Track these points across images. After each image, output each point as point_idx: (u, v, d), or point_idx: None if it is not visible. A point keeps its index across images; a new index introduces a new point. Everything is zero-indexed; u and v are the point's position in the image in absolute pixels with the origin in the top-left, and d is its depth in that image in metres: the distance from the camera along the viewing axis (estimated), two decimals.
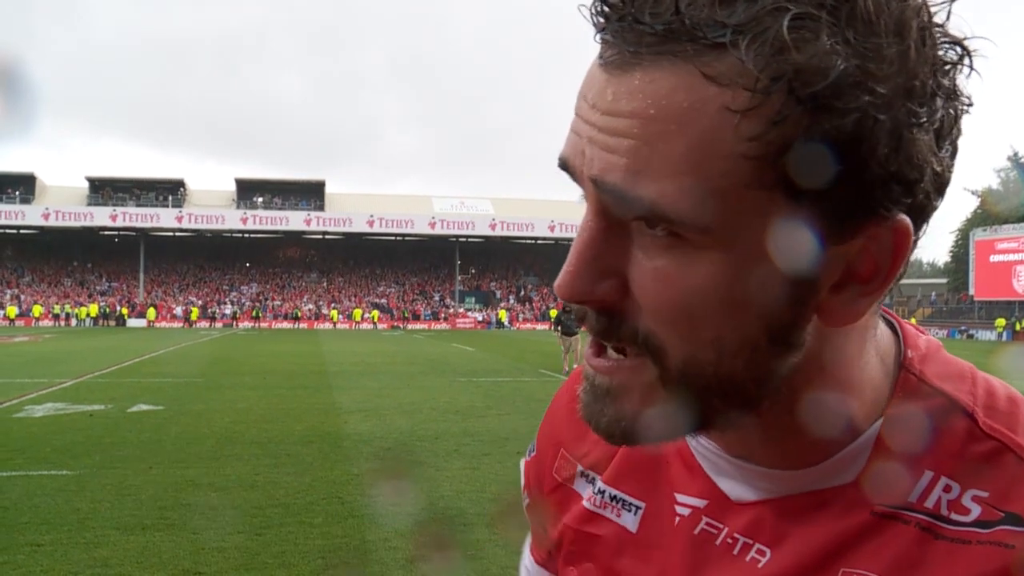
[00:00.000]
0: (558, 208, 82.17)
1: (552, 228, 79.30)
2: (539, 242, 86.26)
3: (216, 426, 12.49)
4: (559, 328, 20.89)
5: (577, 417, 0.86)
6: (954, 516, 0.67)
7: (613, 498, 0.87)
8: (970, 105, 0.65)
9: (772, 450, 0.73)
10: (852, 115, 0.58)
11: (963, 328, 63.26)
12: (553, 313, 72.36)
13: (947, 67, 0.62)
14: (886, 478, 0.70)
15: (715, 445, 0.78)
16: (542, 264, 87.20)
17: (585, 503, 0.90)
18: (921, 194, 0.63)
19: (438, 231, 78.81)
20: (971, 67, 0.63)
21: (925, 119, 0.61)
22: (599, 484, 0.89)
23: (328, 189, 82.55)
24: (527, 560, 1.04)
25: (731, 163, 0.59)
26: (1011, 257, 63.26)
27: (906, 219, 0.63)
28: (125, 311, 69.69)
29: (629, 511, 0.85)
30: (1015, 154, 72.15)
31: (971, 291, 67.49)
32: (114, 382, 19.40)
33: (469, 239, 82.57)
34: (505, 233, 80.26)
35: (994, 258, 64.65)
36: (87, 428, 12.17)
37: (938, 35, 0.62)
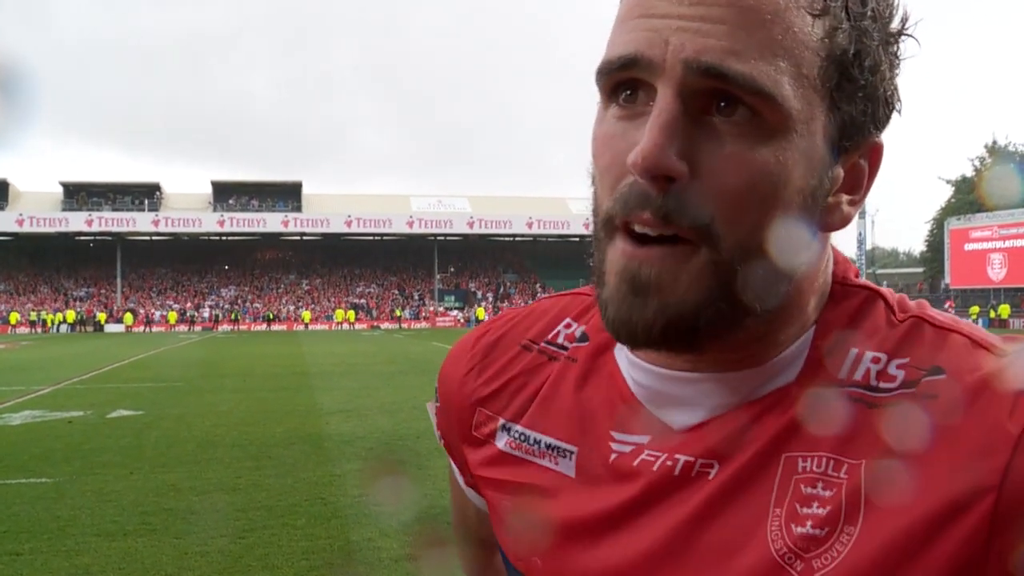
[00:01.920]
0: (536, 205, 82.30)
1: (530, 225, 79.38)
2: (517, 239, 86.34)
3: (196, 430, 12.41)
4: None
5: (487, 370, 0.93)
6: (882, 384, 0.73)
7: (538, 442, 0.88)
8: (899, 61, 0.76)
9: (724, 356, 0.76)
10: (876, 43, 0.72)
11: None
12: None
13: (902, 30, 0.75)
14: (821, 370, 0.76)
15: (659, 366, 0.80)
16: (521, 261, 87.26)
17: (501, 446, 0.90)
18: (888, 121, 0.75)
19: (416, 230, 78.65)
20: (911, 35, 0.75)
21: (897, 63, 0.74)
22: (517, 429, 0.90)
23: (305, 190, 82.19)
24: (458, 475, 1.04)
25: (812, 55, 0.69)
26: (985, 245, 63.86)
27: (882, 139, 0.76)
28: (102, 317, 69.14)
29: (564, 457, 0.85)
30: (994, 143, 72.69)
31: (947, 279, 68.06)
32: (93, 388, 19.26)
33: (447, 238, 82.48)
34: (483, 231, 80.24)
35: (969, 246, 65.23)
36: (66, 435, 12.07)
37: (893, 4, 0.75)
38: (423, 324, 73.32)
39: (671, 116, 0.68)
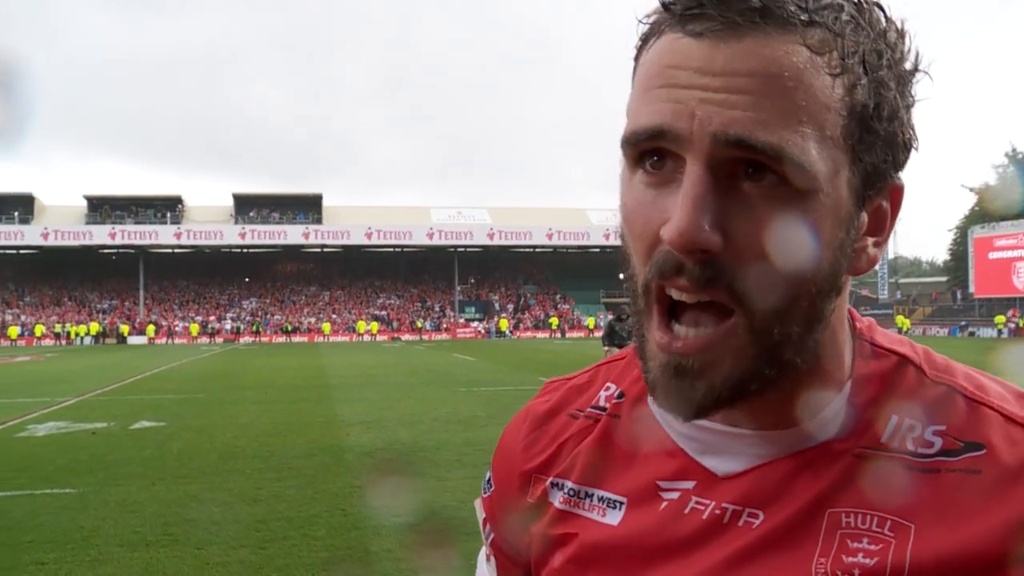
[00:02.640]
0: (555, 216, 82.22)
1: (550, 236, 79.36)
2: (537, 250, 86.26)
3: (218, 441, 12.50)
4: (610, 339, 18.65)
5: (539, 442, 0.97)
6: (920, 450, 0.77)
7: (589, 495, 0.91)
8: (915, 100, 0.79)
9: (767, 413, 0.80)
10: (893, 91, 0.74)
11: (963, 324, 63.18)
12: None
13: (915, 67, 0.77)
14: (860, 427, 0.79)
15: (705, 420, 0.82)
16: (541, 272, 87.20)
17: (557, 504, 0.93)
18: (907, 162, 0.78)
19: (436, 242, 78.80)
20: (925, 71, 0.78)
21: (912, 103, 0.77)
22: (568, 486, 0.93)
23: (325, 202, 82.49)
24: None
25: (834, 116, 0.71)
26: (1010, 254, 63.25)
27: (902, 180, 0.78)
28: (125, 329, 69.65)
29: (612, 508, 0.88)
30: (1013, 150, 72.20)
31: (971, 288, 67.45)
32: (116, 399, 19.42)
33: (467, 249, 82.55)
34: (503, 242, 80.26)
35: (993, 255, 64.62)
36: (90, 446, 12.19)
37: (906, 43, 0.77)
38: (444, 335, 73.40)
39: (702, 190, 0.70)
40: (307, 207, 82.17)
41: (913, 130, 0.77)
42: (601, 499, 0.90)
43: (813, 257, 0.72)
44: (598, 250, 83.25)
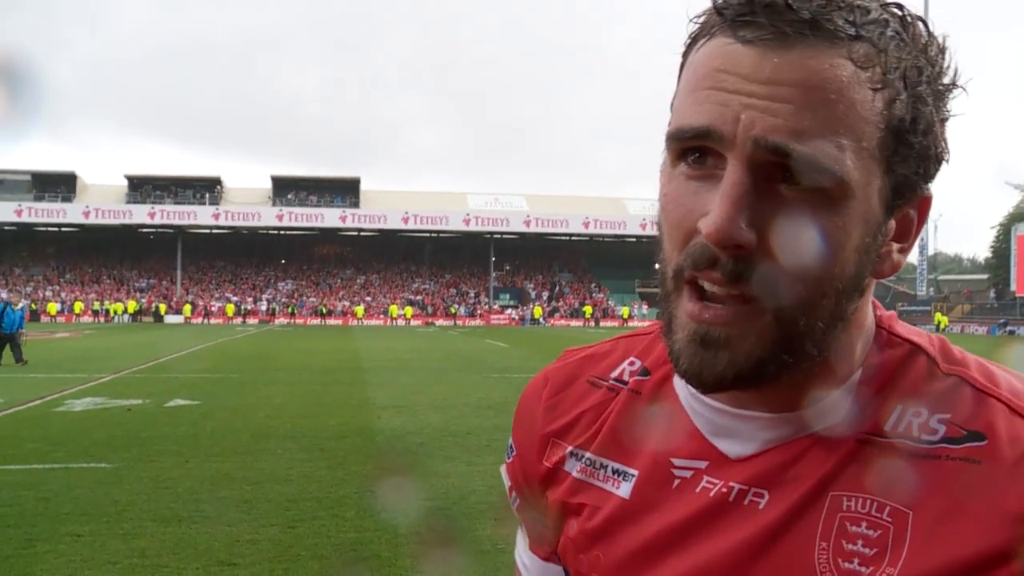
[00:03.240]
0: (592, 205, 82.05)
1: (586, 225, 79.25)
2: (573, 239, 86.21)
3: (251, 421, 12.63)
4: None
5: (558, 407, 1.00)
6: (924, 436, 0.79)
7: (604, 467, 0.94)
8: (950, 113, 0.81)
9: (779, 396, 0.82)
10: (930, 106, 0.77)
11: (1003, 322, 62.16)
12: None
13: (952, 84, 0.79)
14: (866, 413, 0.82)
15: (718, 401, 0.87)
16: (576, 261, 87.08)
17: (574, 474, 0.96)
18: (937, 173, 0.81)
19: (472, 228, 78.96)
20: (962, 87, 0.80)
21: (948, 117, 0.80)
22: (586, 456, 0.96)
23: (363, 186, 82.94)
24: (525, 556, 1.08)
25: (872, 128, 0.74)
26: None
27: (932, 191, 0.81)
28: (163, 307, 70.52)
29: (626, 480, 0.91)
30: None
31: (1012, 287, 66.40)
32: (151, 377, 19.68)
33: (503, 236, 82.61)
34: (539, 230, 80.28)
35: None
36: (125, 422, 12.37)
37: (945, 58, 0.79)
38: (478, 321, 73.58)
39: (741, 189, 0.73)
40: (345, 191, 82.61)
41: (946, 143, 0.80)
42: (615, 471, 0.93)
43: (840, 260, 0.75)
44: (634, 240, 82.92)
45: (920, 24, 0.78)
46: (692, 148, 0.77)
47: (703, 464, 0.87)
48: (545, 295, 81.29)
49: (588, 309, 74.96)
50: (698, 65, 0.78)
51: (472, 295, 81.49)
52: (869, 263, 0.78)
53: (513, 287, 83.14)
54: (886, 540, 0.76)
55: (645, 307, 77.34)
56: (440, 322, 72.11)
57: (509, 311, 77.08)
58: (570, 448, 0.97)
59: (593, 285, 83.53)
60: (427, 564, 6.01)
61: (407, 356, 28.42)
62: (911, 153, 0.76)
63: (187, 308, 70.39)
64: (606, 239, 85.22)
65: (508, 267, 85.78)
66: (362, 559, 6.08)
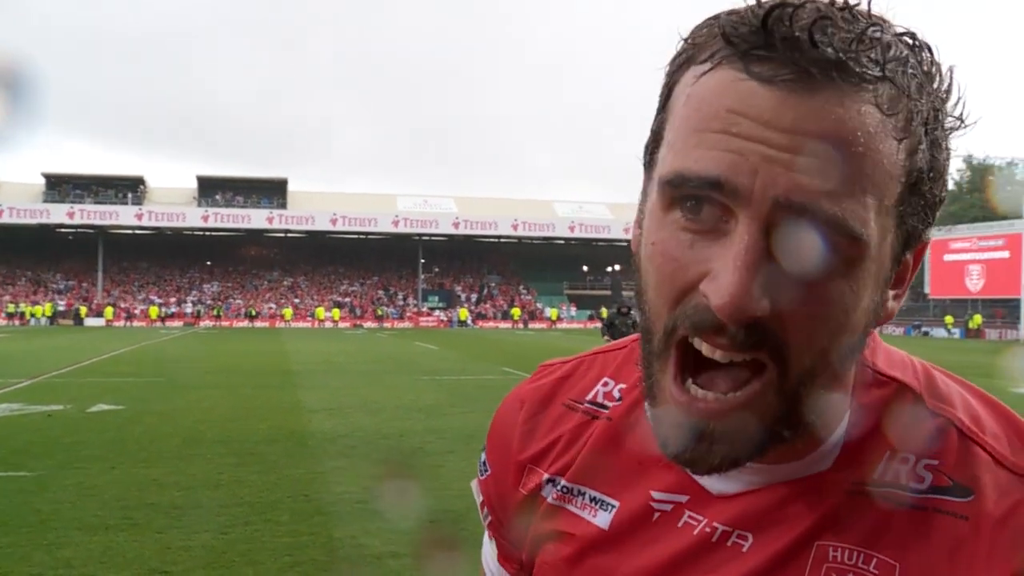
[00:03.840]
0: (521, 207, 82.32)
1: (515, 227, 79.38)
2: (502, 241, 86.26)
3: (179, 425, 12.37)
4: (610, 331, 17.93)
5: (535, 431, 0.96)
6: (912, 484, 0.76)
7: (581, 494, 0.90)
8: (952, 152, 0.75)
9: (772, 452, 0.76)
10: (944, 151, 0.71)
11: (917, 324, 64.29)
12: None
13: (960, 119, 0.73)
14: (855, 460, 0.78)
15: None
16: (505, 263, 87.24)
17: (550, 499, 0.93)
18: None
19: (401, 229, 78.51)
20: (970, 125, 0.74)
21: (950, 156, 0.73)
22: (562, 483, 0.92)
23: (291, 187, 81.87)
24: (493, 565, 1.05)
25: (894, 184, 0.67)
26: (963, 256, 64.37)
27: (929, 234, 0.75)
28: (83, 310, 68.67)
29: (604, 510, 0.88)
30: (970, 156, 73.48)
31: (926, 290, 68.50)
32: (73, 382, 19.13)
33: (432, 238, 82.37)
34: (468, 232, 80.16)
35: (948, 257, 65.70)
36: (46, 428, 12.00)
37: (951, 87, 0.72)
38: (406, 324, 73.23)
39: (757, 255, 0.66)
40: (272, 192, 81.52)
41: (947, 183, 0.74)
42: (593, 499, 0.89)
43: (852, 322, 0.70)
44: (562, 242, 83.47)
45: (929, 55, 0.71)
46: (692, 196, 0.69)
47: (684, 499, 0.84)
48: (474, 297, 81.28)
49: (516, 311, 75.12)
50: (704, 101, 0.69)
51: (401, 297, 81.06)
52: (875, 318, 0.73)
53: (442, 289, 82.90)
54: None
55: (574, 309, 77.86)
56: (368, 324, 71.57)
57: (438, 313, 76.85)
58: (546, 475, 0.94)
59: (521, 287, 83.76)
60: (364, 569, 5.96)
61: (336, 359, 28.15)
62: (922, 203, 0.71)
63: (109, 310, 68.62)
64: (534, 241, 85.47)
65: (437, 269, 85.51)
66: (297, 564, 6.01)
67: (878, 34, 0.67)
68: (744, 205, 0.66)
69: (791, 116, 0.65)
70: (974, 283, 63.75)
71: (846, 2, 0.68)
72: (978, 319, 60.44)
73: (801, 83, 0.65)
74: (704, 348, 0.70)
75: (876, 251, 0.68)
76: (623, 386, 0.95)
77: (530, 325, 72.48)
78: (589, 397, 0.96)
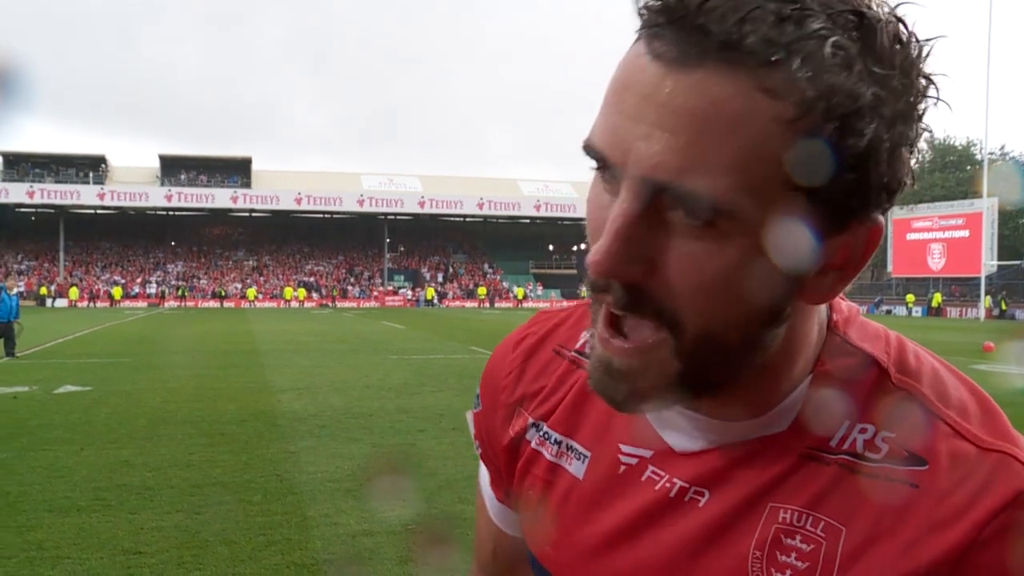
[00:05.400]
0: (486, 186, 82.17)
1: (481, 206, 79.30)
2: (468, 220, 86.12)
3: (147, 406, 12.30)
4: None
5: (525, 374, 1.01)
6: (868, 454, 0.78)
7: (559, 443, 0.96)
8: (929, 130, 0.74)
9: (724, 404, 0.82)
10: (867, 136, 0.67)
11: (878, 301, 65.18)
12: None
13: (924, 99, 0.72)
14: (812, 425, 0.81)
15: None
16: (471, 242, 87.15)
17: (533, 444, 0.99)
18: (895, 199, 0.74)
19: (367, 208, 78.16)
20: (938, 99, 0.72)
21: (911, 140, 0.71)
22: (544, 429, 0.98)
23: (255, 166, 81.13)
24: (486, 489, 1.12)
25: (773, 166, 0.66)
26: (925, 235, 65.23)
27: (881, 219, 0.74)
28: (44, 291, 67.71)
29: (579, 459, 0.93)
30: (932, 136, 74.37)
31: (889, 268, 69.37)
32: (38, 363, 18.91)
33: (398, 217, 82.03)
34: (434, 211, 79.95)
35: (910, 236, 66.56)
36: (11, 410, 11.89)
37: (920, 69, 0.71)
38: (372, 303, 73.00)
39: (628, 221, 0.70)
40: (236, 171, 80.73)
41: (907, 167, 0.72)
42: (570, 448, 0.95)
43: (736, 291, 0.71)
44: (528, 221, 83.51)
45: (885, 32, 0.68)
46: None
47: (648, 453, 0.88)
48: (440, 276, 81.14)
49: (483, 290, 75.16)
50: (614, 75, 0.73)
51: (366, 277, 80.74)
52: (787, 292, 0.73)
53: (408, 269, 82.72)
54: (818, 555, 0.77)
55: (540, 288, 77.94)
56: (335, 304, 71.25)
57: (404, 292, 76.68)
58: (531, 419, 0.99)
59: (487, 266, 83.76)
60: (338, 546, 6.02)
61: (303, 338, 28.06)
62: (845, 185, 0.69)
63: (74, 291, 67.70)
64: (500, 220, 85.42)
65: (403, 248, 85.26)
66: (272, 543, 6.03)
67: (791, 13, 0.65)
68: (621, 178, 0.71)
69: (666, 92, 0.67)
70: (935, 262, 64.65)
71: None
72: (938, 297, 61.39)
73: (680, 60, 0.66)
74: (607, 304, 0.76)
75: (756, 225, 0.68)
76: None
77: (496, 304, 72.53)
78: (577, 346, 1.00)
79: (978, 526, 0.73)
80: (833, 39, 0.65)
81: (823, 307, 0.84)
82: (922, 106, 0.72)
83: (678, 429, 0.86)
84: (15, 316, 19.92)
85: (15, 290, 20.67)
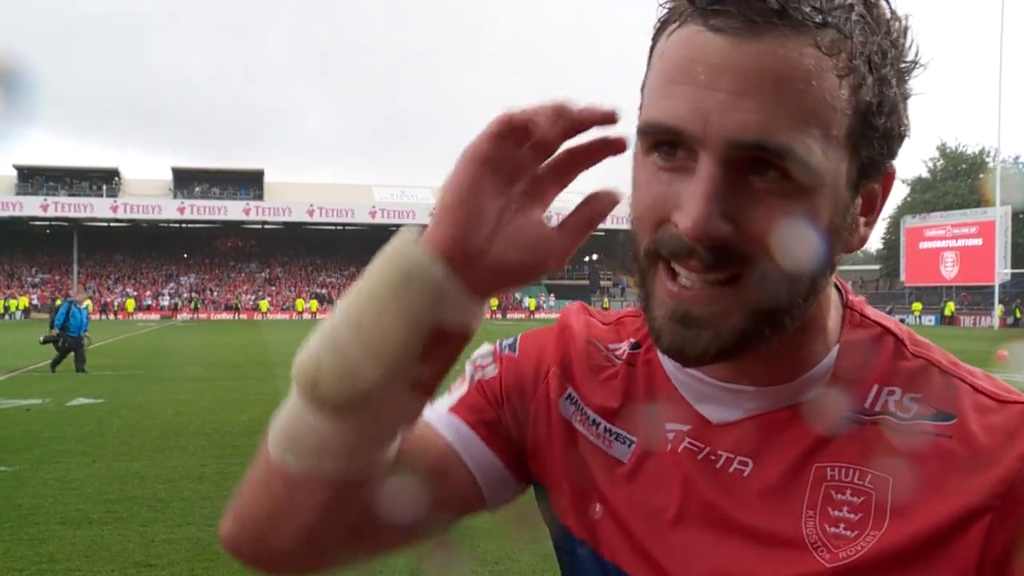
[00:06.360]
0: None
1: None
2: None
3: (159, 418, 12.32)
4: None
5: (590, 354, 1.01)
6: (899, 413, 0.84)
7: (597, 424, 0.97)
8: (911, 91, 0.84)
9: (761, 369, 0.87)
10: (894, 88, 0.79)
11: (888, 310, 64.87)
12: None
13: (914, 62, 0.82)
14: (845, 391, 0.86)
15: (701, 373, 0.91)
16: None
17: (572, 420, 0.99)
18: (900, 149, 0.84)
19: (379, 220, 78.26)
20: (923, 65, 0.82)
21: (910, 95, 0.82)
22: (582, 405, 0.99)
23: (267, 178, 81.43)
24: (439, 413, 1.02)
25: (840, 116, 0.76)
26: (939, 244, 64.86)
27: (894, 165, 0.85)
28: (59, 303, 67.84)
29: (620, 442, 0.95)
30: (943, 144, 74.04)
31: (902, 277, 69.01)
32: (50, 375, 18.97)
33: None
34: None
35: (923, 244, 66.19)
36: (24, 423, 11.92)
37: (908, 37, 0.82)
38: None
39: (715, 184, 0.75)
40: (248, 183, 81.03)
41: (908, 120, 0.82)
42: (608, 430, 0.96)
43: (814, 243, 0.77)
44: None
45: (884, 4, 0.80)
46: (664, 141, 0.79)
47: (686, 428, 0.91)
48: None
49: (495, 301, 75.02)
50: (669, 55, 0.79)
51: None
52: (840, 240, 0.81)
53: None
54: (869, 505, 0.81)
55: (553, 299, 77.86)
56: None
57: None
58: (570, 389, 1.01)
59: None
60: None
61: None
62: (876, 135, 0.79)
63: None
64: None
65: None
66: None
67: None
68: (702, 146, 0.76)
69: (739, 59, 0.74)
70: (948, 270, 64.31)
71: None
72: (951, 306, 61.04)
73: (747, 30, 0.74)
74: (681, 273, 0.80)
75: (830, 178, 0.77)
76: (638, 338, 1.02)
77: (509, 315, 72.50)
78: (616, 350, 1.02)
79: (1021, 459, 0.78)
80: (858, 8, 0.77)
81: (834, 290, 0.91)
82: (914, 70, 0.82)
83: (714, 401, 0.90)
84: (84, 329, 19.91)
85: (84, 304, 20.76)
